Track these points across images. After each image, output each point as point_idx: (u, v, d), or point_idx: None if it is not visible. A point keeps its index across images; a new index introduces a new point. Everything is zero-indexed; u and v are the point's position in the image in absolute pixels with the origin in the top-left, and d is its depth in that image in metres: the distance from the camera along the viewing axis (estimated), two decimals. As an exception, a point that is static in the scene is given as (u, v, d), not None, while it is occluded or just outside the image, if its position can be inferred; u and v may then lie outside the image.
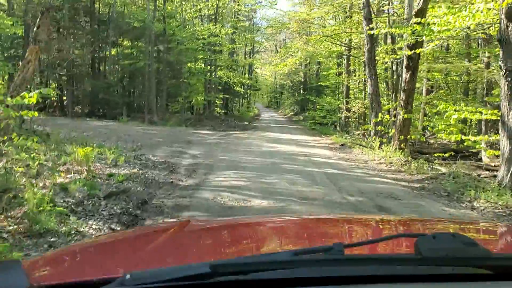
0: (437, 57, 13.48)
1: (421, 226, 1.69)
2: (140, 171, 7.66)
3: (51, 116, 21.47)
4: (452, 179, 7.22)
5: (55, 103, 24.81)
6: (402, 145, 10.27)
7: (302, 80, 39.34)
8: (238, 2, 28.83)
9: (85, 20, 24.46)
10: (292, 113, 41.50)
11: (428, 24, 7.59)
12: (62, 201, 5.25)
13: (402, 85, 9.76)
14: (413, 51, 8.77)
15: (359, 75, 19.24)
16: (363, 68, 15.97)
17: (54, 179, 6.39)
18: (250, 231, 1.60)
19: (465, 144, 10.35)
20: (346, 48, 19.83)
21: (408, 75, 9.53)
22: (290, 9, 28.37)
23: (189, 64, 25.68)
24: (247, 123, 27.09)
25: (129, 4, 25.35)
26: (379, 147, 10.92)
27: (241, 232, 1.60)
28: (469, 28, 7.24)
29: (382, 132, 11.21)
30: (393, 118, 11.11)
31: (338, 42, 18.72)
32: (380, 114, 10.69)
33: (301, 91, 39.60)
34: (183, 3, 23.48)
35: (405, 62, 9.49)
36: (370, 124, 12.93)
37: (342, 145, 13.55)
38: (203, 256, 1.25)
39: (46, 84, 24.86)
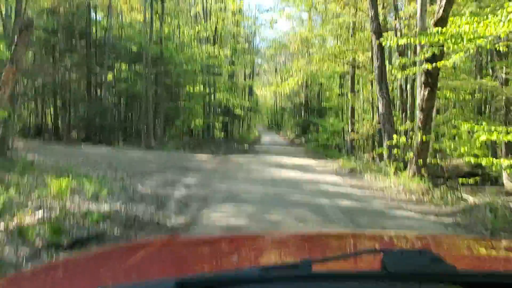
0: (450, 73, 12.56)
1: (389, 241, 1.72)
2: (123, 206, 6.58)
3: (46, 141, 20.62)
4: (489, 212, 6.10)
5: (51, 128, 23.98)
6: (420, 170, 9.19)
7: (304, 101, 38.64)
8: (237, 24, 28.33)
9: (80, 44, 23.81)
10: (294, 135, 40.63)
11: (452, 35, 6.63)
12: (13, 252, 4.17)
13: (420, 103, 8.75)
14: (433, 65, 7.80)
15: (364, 95, 18.31)
16: (370, 87, 15.07)
17: (20, 219, 5.35)
18: (231, 247, 1.61)
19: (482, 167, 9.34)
20: (351, 66, 18.99)
21: (427, 93, 8.53)
22: (290, 30, 27.74)
23: (188, 87, 24.91)
24: (247, 146, 26.11)
25: (126, 27, 24.76)
26: (394, 173, 9.83)
27: (222, 248, 1.61)
28: (499, 37, 6.27)
29: (397, 156, 10.15)
30: (408, 141, 10.08)
31: (342, 61, 17.90)
32: (395, 136, 9.64)
33: (303, 113, 38.84)
34: (181, 24, 22.84)
35: (422, 78, 8.50)
36: (382, 146, 11.90)
37: (351, 170, 12.46)
38: (178, 271, 1.26)
39: (42, 108, 24.19)
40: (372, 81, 14.98)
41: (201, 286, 0.87)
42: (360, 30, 16.83)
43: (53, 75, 21.29)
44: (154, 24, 21.66)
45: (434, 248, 1.56)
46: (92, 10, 23.50)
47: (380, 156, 12.98)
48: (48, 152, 14.19)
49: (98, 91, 24.65)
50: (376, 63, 10.51)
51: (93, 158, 13.95)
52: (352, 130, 19.81)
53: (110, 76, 23.54)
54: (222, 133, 29.94)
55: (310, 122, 33.72)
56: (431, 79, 8.36)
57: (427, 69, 8.25)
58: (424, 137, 8.84)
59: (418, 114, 8.97)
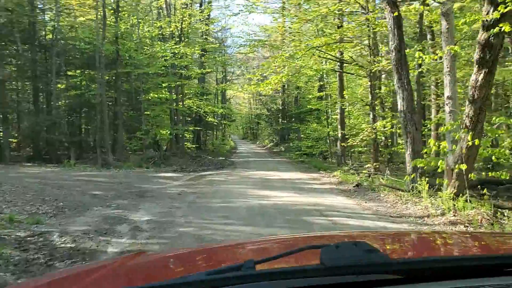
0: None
1: (332, 239, 1.78)
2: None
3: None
4: None
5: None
6: (465, 186, 6.49)
7: (281, 107, 36.03)
8: (205, 22, 25.39)
9: (23, 48, 20.23)
10: (272, 143, 37.98)
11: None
12: None
13: (471, 92, 6.04)
14: (500, 29, 5.12)
15: (358, 93, 15.69)
16: (368, 82, 12.42)
17: None
18: (192, 259, 1.62)
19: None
20: (339, 63, 16.38)
21: (482, 76, 5.83)
22: (268, 23, 24.99)
23: (152, 94, 21.70)
24: (223, 158, 23.09)
25: (77, 26, 21.36)
26: (428, 192, 7.08)
27: (181, 261, 1.63)
28: None
29: (425, 168, 7.43)
30: (434, 147, 7.35)
31: (329, 56, 15.24)
32: (431, 141, 6.94)
33: (280, 120, 36.24)
34: (140, 21, 19.70)
35: (477, 56, 5.81)
36: (389, 154, 9.17)
37: (357, 185, 9.69)
38: (130, 283, 1.29)
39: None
40: (374, 73, 12.32)
41: None
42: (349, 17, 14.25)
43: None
44: (107, 20, 18.48)
45: (372, 241, 1.57)
46: (36, 8, 20.06)
47: (388, 167, 10.28)
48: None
49: (46, 101, 21.09)
50: (392, 43, 7.79)
51: (27, 182, 10.71)
52: (344, 136, 17.17)
53: (60, 85, 20.11)
54: (194, 144, 26.78)
55: (290, 129, 31.09)
56: (491, 54, 5.67)
57: (484, 40, 5.57)
58: (476, 140, 6.13)
59: (467, 109, 6.26)
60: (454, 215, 5.96)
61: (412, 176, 7.55)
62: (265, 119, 43.49)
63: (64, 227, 5.92)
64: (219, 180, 11.84)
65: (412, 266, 1.02)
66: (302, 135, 27.67)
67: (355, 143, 12.21)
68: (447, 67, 7.40)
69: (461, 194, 6.55)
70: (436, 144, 6.88)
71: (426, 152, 7.42)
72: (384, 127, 11.62)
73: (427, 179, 7.18)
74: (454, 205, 6.28)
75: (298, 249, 1.17)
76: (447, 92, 7.49)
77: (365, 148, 17.40)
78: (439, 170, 7.45)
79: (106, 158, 18.69)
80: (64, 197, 8.62)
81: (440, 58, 7.22)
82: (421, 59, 7.22)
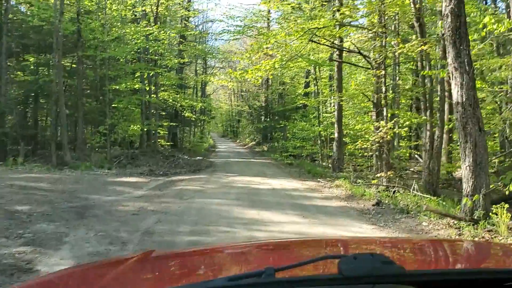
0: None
1: (346, 246, 1.84)
2: None
3: None
4: None
5: None
6: None
7: (264, 104, 33.60)
8: (185, 6, 22.63)
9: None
10: (254, 142, 35.56)
11: None
12: None
13: None
14: None
15: (359, 87, 13.30)
16: (384, 73, 10.05)
17: None
18: (203, 260, 1.63)
19: None
20: (337, 51, 13.98)
21: None
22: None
23: (123, 83, 18.69)
24: (201, 158, 20.46)
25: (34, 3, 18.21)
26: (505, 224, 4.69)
27: (195, 261, 1.62)
28: None
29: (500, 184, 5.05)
30: None
31: (327, 43, 12.79)
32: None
33: (263, 118, 33.82)
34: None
35: None
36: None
37: (378, 204, 7.27)
38: (151, 285, 1.30)
39: None
40: (383, 63, 9.90)
41: None
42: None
43: None
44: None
45: (386, 251, 1.66)
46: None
47: (400, 175, 7.90)
48: None
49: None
50: (447, 4, 5.34)
51: None
52: (339, 135, 14.83)
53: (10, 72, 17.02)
54: (169, 142, 24.00)
55: (274, 128, 28.65)
56: None
57: None
58: None
59: None
60: None
61: (474, 199, 5.16)
62: (247, 116, 41.00)
63: None
64: (194, 190, 9.24)
65: (425, 278, 1.07)
66: (288, 135, 25.25)
67: (365, 145, 9.79)
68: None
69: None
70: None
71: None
72: (400, 127, 9.32)
73: (506, 206, 4.79)
74: None
75: (318, 258, 1.20)
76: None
77: (361, 151, 15.12)
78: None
79: (63, 156, 15.81)
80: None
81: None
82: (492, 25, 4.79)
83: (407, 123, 9.57)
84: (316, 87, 20.79)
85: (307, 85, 24.03)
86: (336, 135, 14.88)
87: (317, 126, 20.09)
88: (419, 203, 6.79)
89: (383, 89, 9.81)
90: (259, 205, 7.29)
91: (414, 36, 8.76)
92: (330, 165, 15.92)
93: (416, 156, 18.92)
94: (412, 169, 16.01)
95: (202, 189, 9.45)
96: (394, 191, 8.04)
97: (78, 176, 11.89)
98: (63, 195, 8.40)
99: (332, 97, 20.05)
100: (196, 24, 26.41)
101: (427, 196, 7.38)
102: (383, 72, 9.48)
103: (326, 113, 20.30)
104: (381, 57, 9.22)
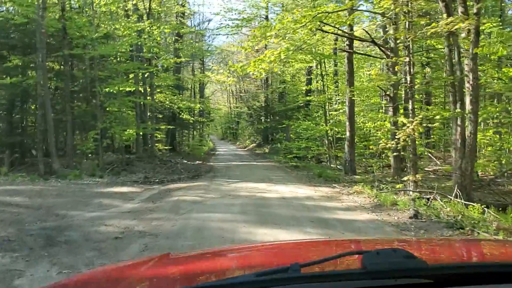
0: None
1: (369, 244, 1.87)
2: None
3: None
4: None
5: None
6: None
7: (264, 104, 32.32)
8: (181, 3, 21.38)
9: None
10: (254, 144, 34.27)
11: None
12: None
13: None
14: None
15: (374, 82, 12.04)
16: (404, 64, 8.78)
17: None
18: (224, 259, 1.63)
19: None
20: (347, 41, 12.72)
21: None
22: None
23: (115, 87, 17.31)
24: (200, 162, 19.22)
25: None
26: None
27: (215, 261, 1.61)
28: None
29: None
30: None
31: (338, 31, 11.52)
32: None
33: (263, 119, 32.54)
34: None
35: None
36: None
37: (415, 216, 5.99)
38: (176, 285, 1.28)
39: None
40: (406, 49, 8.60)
41: None
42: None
43: None
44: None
45: (407, 247, 1.60)
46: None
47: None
48: None
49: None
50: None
51: None
52: (351, 136, 13.56)
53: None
54: (167, 146, 22.69)
55: (276, 128, 27.37)
56: None
57: None
58: None
59: None
60: None
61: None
62: (246, 118, 39.74)
63: None
64: (191, 201, 7.95)
65: (447, 271, 1.04)
66: (291, 135, 23.95)
67: (389, 145, 8.48)
68: None
69: None
70: None
71: None
72: (429, 122, 8.08)
73: None
74: None
75: (342, 254, 1.19)
76: None
77: (371, 150, 13.84)
78: None
79: (51, 164, 14.56)
80: None
81: None
82: None
83: (437, 117, 8.31)
84: (322, 82, 19.50)
85: (309, 82, 22.81)
86: (347, 134, 13.59)
87: (323, 125, 18.83)
88: (467, 214, 5.50)
89: (408, 79, 8.53)
90: (269, 221, 6.00)
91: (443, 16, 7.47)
92: (340, 167, 14.64)
93: (428, 154, 17.66)
94: (427, 169, 14.74)
95: (201, 200, 8.16)
96: (429, 198, 6.75)
97: (63, 187, 10.62)
98: (38, 212, 7.12)
99: (339, 93, 18.87)
100: (194, 24, 25.12)
101: (471, 203, 6.11)
102: (407, 59, 8.20)
103: (333, 110, 19.08)
104: (408, 38, 7.94)
